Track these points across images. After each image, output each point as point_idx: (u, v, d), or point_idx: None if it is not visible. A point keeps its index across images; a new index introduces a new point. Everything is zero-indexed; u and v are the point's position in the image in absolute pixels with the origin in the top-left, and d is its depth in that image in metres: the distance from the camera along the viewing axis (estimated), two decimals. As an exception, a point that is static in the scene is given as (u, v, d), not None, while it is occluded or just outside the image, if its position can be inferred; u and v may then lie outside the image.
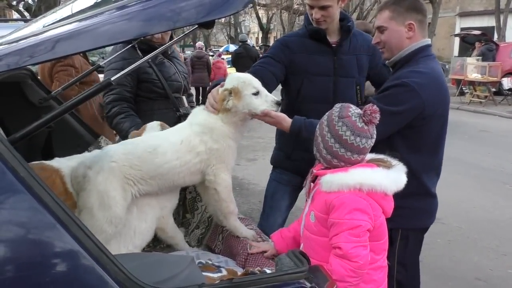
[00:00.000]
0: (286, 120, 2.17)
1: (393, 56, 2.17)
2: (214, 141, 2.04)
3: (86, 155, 2.20)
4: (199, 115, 2.15)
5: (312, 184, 1.93)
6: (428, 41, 2.18)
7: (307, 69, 2.53)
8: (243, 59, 11.57)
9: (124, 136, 2.58)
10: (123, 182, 1.91)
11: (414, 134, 2.08)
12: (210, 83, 11.76)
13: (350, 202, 1.69)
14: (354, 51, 2.59)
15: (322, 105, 2.47)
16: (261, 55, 4.88)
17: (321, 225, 1.79)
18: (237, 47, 12.86)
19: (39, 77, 3.63)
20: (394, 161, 1.84)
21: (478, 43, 15.46)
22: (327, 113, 1.87)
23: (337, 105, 1.85)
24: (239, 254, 2.02)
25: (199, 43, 14.63)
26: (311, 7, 2.50)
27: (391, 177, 1.76)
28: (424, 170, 1.87)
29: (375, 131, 1.79)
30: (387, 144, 2.02)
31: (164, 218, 2.19)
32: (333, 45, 2.56)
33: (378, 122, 1.76)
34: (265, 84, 2.33)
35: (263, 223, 2.67)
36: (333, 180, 1.73)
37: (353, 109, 1.79)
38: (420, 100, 2.02)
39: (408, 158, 1.91)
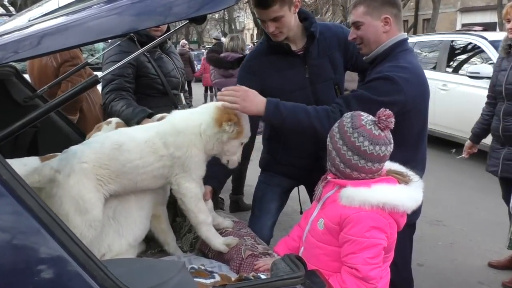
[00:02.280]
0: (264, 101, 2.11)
1: (371, 51, 2.20)
2: (177, 148, 1.96)
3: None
4: (177, 115, 2.10)
5: (322, 188, 1.92)
6: (404, 35, 2.23)
7: (282, 87, 2.46)
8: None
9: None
10: (95, 183, 1.86)
11: (396, 129, 2.10)
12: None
13: (369, 220, 1.69)
14: (324, 52, 2.51)
15: None
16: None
17: (331, 235, 1.78)
18: (212, 45, 14.06)
19: (26, 75, 3.60)
20: (413, 175, 1.86)
21: None
22: (336, 125, 1.86)
23: (347, 115, 1.85)
24: (233, 259, 2.01)
25: (183, 41, 16.30)
26: (263, 21, 2.41)
27: (414, 196, 1.78)
28: (408, 165, 1.90)
29: (391, 136, 1.79)
30: None
31: (160, 204, 2.18)
32: (300, 53, 2.49)
33: (392, 127, 1.76)
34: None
35: (252, 226, 2.66)
36: (355, 196, 1.72)
37: (365, 117, 1.80)
38: (403, 95, 2.05)
39: (393, 153, 1.92)
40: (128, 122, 2.48)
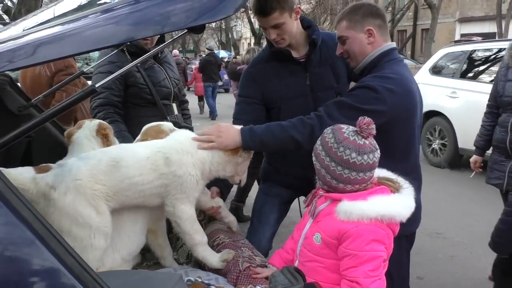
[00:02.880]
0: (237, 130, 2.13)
1: (359, 63, 2.24)
2: (180, 166, 1.95)
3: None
4: (184, 135, 2.11)
5: (314, 201, 1.92)
6: (392, 44, 2.25)
7: (282, 94, 2.51)
8: (212, 66, 14.22)
9: None
10: (91, 198, 1.84)
11: (382, 140, 2.12)
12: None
13: (369, 234, 1.70)
14: (327, 61, 2.55)
15: None
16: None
17: (329, 249, 1.79)
18: (205, 55, 15.92)
19: (19, 85, 3.61)
20: (402, 182, 1.87)
21: None
22: (318, 142, 1.87)
23: (327, 130, 1.86)
24: (231, 271, 2.01)
25: (175, 51, 18.05)
26: (265, 28, 2.45)
27: (408, 204, 1.79)
28: (400, 175, 1.91)
29: (375, 142, 1.81)
30: None
31: (158, 220, 2.17)
32: (302, 60, 2.52)
33: (374, 133, 1.77)
34: None
35: (251, 237, 2.66)
36: (353, 210, 1.72)
37: (346, 129, 1.81)
38: (385, 105, 2.07)
39: (382, 164, 1.93)
40: None
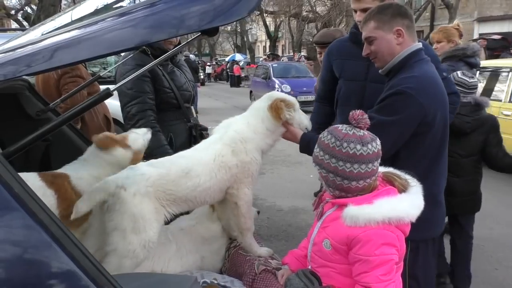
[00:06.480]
0: (299, 136, 2.28)
1: (387, 63, 2.21)
2: (245, 153, 2.10)
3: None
4: (237, 123, 2.23)
5: (321, 206, 1.91)
6: (419, 45, 2.22)
7: (341, 73, 2.75)
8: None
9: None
10: (157, 205, 1.94)
11: (419, 142, 2.09)
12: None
13: (378, 238, 1.67)
14: None
15: (352, 108, 2.51)
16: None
17: (340, 254, 1.77)
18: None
19: (36, 89, 3.67)
20: (410, 179, 1.84)
21: (483, 40, 15.14)
22: (317, 150, 1.83)
23: (323, 134, 1.83)
24: (246, 273, 2.00)
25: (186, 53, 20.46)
26: (355, 11, 2.66)
27: (416, 204, 1.76)
28: (430, 176, 1.88)
29: (370, 132, 1.79)
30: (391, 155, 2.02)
31: None
32: None
33: (369, 123, 1.77)
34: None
35: None
36: (359, 215, 1.69)
37: (342, 126, 1.80)
38: (419, 105, 2.03)
39: (413, 166, 1.91)
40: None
